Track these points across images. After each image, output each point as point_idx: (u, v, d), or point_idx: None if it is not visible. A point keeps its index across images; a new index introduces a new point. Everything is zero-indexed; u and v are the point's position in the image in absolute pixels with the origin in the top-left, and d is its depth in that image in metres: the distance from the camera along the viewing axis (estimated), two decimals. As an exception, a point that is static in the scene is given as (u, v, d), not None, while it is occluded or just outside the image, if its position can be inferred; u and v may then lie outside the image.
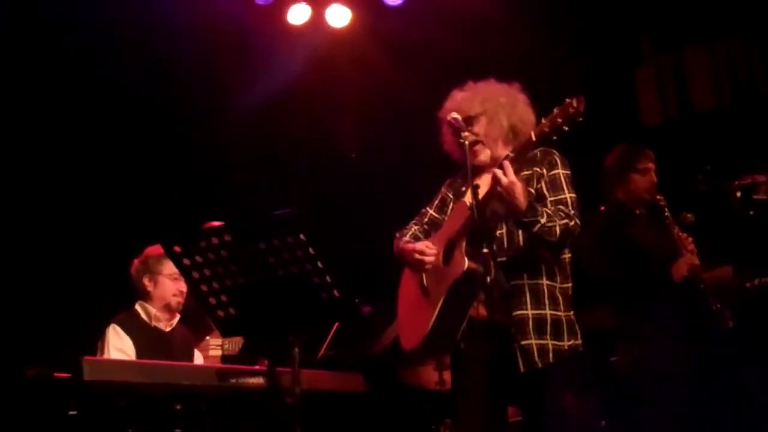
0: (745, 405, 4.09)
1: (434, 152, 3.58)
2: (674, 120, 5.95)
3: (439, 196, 3.62)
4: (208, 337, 4.63)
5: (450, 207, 3.55)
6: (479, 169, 3.40)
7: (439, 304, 3.29)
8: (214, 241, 2.94)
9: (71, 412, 3.41)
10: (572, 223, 3.25)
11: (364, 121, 5.96)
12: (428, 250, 3.39)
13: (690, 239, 4.27)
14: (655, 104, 5.97)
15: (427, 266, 3.38)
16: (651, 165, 4.43)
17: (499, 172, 3.12)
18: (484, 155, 3.41)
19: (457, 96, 3.47)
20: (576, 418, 3.59)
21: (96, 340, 4.20)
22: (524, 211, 3.15)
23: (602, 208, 4.52)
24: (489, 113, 3.39)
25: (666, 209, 4.36)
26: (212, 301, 3.05)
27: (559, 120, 3.09)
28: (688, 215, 4.29)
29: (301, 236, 2.81)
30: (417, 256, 3.37)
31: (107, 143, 5.58)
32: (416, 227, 3.61)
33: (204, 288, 3.03)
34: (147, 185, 5.70)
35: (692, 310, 4.18)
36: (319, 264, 2.85)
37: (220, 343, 4.73)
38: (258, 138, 6.05)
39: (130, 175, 5.63)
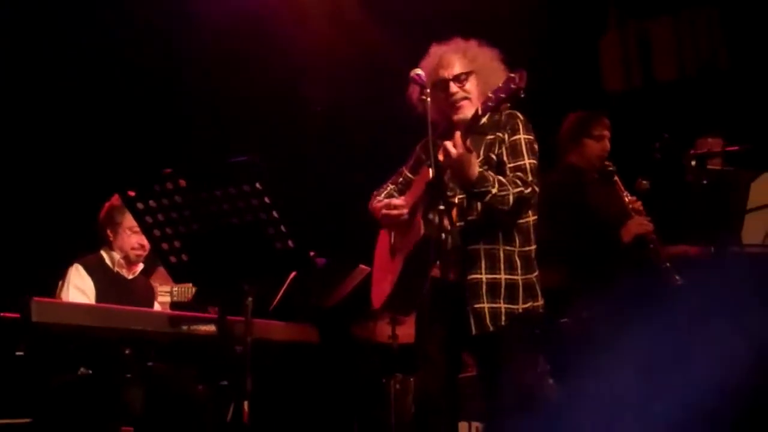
0: (691, 363, 4.16)
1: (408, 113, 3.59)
2: (637, 88, 5.99)
3: (414, 156, 3.66)
4: (156, 284, 4.62)
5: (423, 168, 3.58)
6: (460, 125, 3.39)
7: (401, 266, 3.37)
8: (169, 185, 2.92)
9: (18, 353, 3.41)
10: (528, 190, 3.29)
11: (335, 76, 5.90)
12: (396, 203, 3.45)
13: (639, 202, 4.33)
14: (618, 72, 6.01)
15: (396, 221, 3.43)
16: (606, 132, 4.48)
17: (449, 144, 3.15)
18: (469, 112, 3.39)
19: (447, 52, 3.48)
20: (526, 375, 3.66)
21: (57, 280, 4.18)
22: (474, 182, 3.19)
23: (554, 172, 4.56)
24: (480, 73, 3.43)
25: (615, 174, 4.41)
26: (165, 246, 3.03)
27: (502, 95, 3.14)
28: (644, 182, 4.34)
29: (257, 185, 2.80)
30: (385, 211, 3.44)
31: (76, 88, 5.49)
32: (392, 186, 3.66)
33: (157, 233, 3.01)
34: (115, 131, 5.63)
35: (642, 270, 4.24)
36: (274, 214, 2.84)
37: (168, 290, 4.74)
38: (224, 84, 5.97)
39: (102, 120, 5.55)
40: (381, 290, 3.55)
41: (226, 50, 5.80)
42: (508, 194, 3.24)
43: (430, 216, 3.29)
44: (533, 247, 3.43)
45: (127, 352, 3.61)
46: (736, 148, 4.36)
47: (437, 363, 3.39)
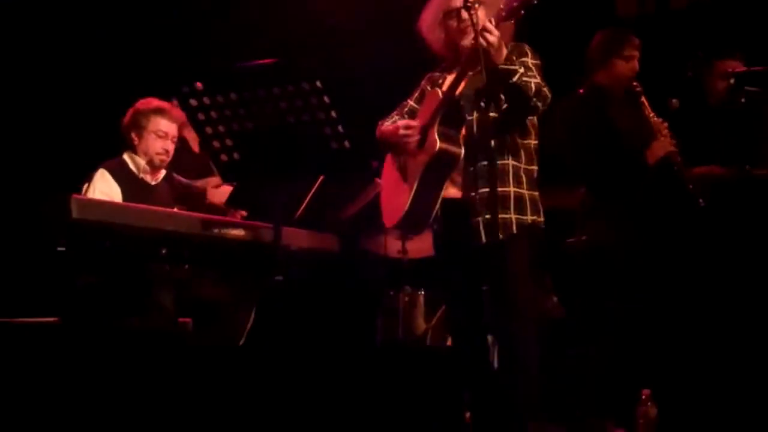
0: (709, 284, 4.26)
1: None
2: (650, 14, 5.97)
3: (419, 89, 3.75)
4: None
5: None
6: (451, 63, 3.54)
7: (416, 184, 3.46)
8: (225, 83, 2.91)
9: (59, 248, 3.41)
10: (545, 86, 3.42)
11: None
12: (411, 123, 3.52)
13: (665, 124, 4.36)
14: (632, -3, 5.98)
15: (410, 143, 3.49)
16: (636, 53, 4.45)
17: (487, 24, 3.25)
18: (470, 41, 3.46)
19: None
20: (533, 288, 3.76)
21: (82, 183, 4.16)
22: (505, 60, 3.29)
23: (580, 90, 4.57)
24: (488, 5, 3.46)
25: (643, 95, 4.44)
26: (216, 144, 3.04)
27: (515, 3, 3.21)
28: (674, 100, 4.37)
29: (318, 83, 2.79)
30: (401, 131, 3.49)
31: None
32: (397, 117, 3.71)
33: (209, 130, 3.01)
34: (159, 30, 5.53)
35: (665, 192, 4.31)
36: (333, 114, 2.85)
37: None
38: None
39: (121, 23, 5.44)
40: (393, 210, 3.63)
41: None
42: (531, 81, 3.36)
43: (444, 133, 3.42)
44: (535, 167, 3.56)
45: (163, 251, 3.62)
46: (760, 69, 4.36)
47: (458, 282, 3.58)
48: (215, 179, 4.64)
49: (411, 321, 5.37)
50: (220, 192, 4.58)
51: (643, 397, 4.04)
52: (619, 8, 6.09)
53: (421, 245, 5.33)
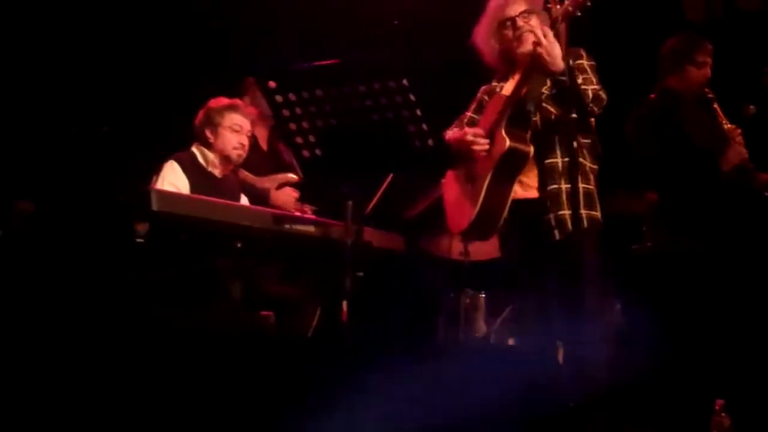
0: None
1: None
2: (719, 19, 5.91)
3: (476, 101, 3.83)
4: None
5: None
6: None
7: (486, 184, 3.52)
8: (311, 79, 2.94)
9: (139, 239, 3.46)
10: (601, 90, 3.51)
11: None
12: (479, 132, 3.58)
13: (738, 131, 4.32)
14: (700, 1, 5.93)
15: (479, 148, 3.54)
16: (709, 59, 4.44)
17: (546, 31, 3.36)
18: (527, 48, 3.57)
19: None
20: (603, 287, 3.76)
21: (151, 175, 4.23)
22: (562, 70, 3.35)
23: (652, 96, 4.55)
24: (539, 14, 3.60)
25: (715, 101, 4.41)
26: (299, 140, 3.07)
27: (570, 8, 3.32)
28: (751, 106, 4.33)
29: (404, 81, 2.82)
30: (470, 137, 3.55)
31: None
32: (457, 129, 3.76)
33: (293, 126, 3.04)
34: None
35: (739, 200, 4.27)
36: (418, 112, 2.87)
37: None
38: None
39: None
40: (461, 216, 3.68)
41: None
42: (588, 87, 3.47)
43: (512, 131, 3.49)
44: (597, 166, 3.65)
45: (239, 245, 3.67)
46: None
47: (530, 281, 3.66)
48: (281, 176, 4.70)
49: (472, 323, 5.37)
50: (282, 193, 4.63)
51: (717, 407, 3.99)
52: (687, 12, 6.05)
53: (483, 247, 5.31)
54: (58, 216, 4.44)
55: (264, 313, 3.90)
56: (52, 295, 4.07)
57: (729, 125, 4.34)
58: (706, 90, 4.45)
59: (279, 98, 3.00)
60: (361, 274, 2.98)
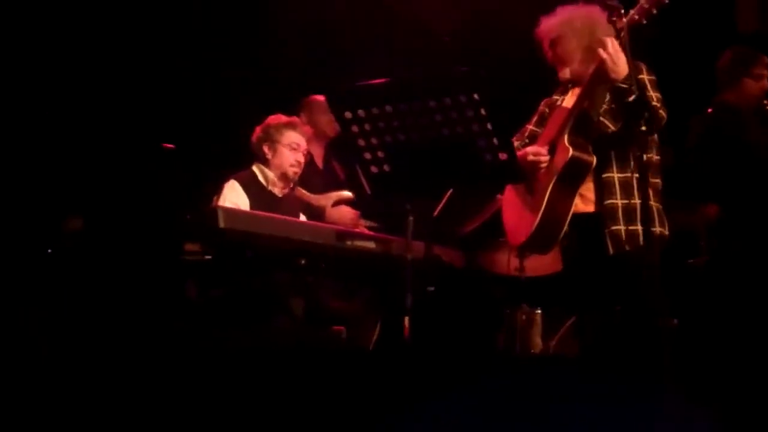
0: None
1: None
2: (769, 30, 5.88)
3: (537, 113, 3.83)
4: None
5: None
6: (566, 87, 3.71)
7: (548, 194, 3.51)
8: (381, 95, 2.97)
9: (207, 257, 3.51)
10: (662, 110, 3.48)
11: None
12: (540, 150, 3.59)
13: None
14: (753, 12, 5.90)
15: (542, 166, 3.55)
16: (765, 72, 4.45)
17: (612, 41, 3.35)
18: (566, 73, 3.66)
19: (544, 22, 3.72)
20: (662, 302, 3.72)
21: (212, 194, 4.28)
22: (625, 78, 3.34)
23: (709, 110, 4.54)
24: (565, 36, 3.63)
25: None
26: (367, 156, 3.08)
27: (636, 16, 3.32)
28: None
29: (475, 95, 2.83)
30: (531, 157, 3.55)
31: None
32: (518, 143, 3.77)
33: (362, 142, 3.06)
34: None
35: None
36: (488, 126, 2.88)
37: None
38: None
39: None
40: (520, 229, 3.67)
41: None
42: (649, 102, 3.43)
43: (575, 142, 3.49)
44: (660, 180, 3.62)
45: (302, 262, 3.70)
46: None
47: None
48: (335, 194, 4.74)
49: (528, 339, 5.34)
50: (337, 210, 4.67)
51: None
52: (739, 24, 6.01)
53: (539, 263, 5.30)
54: (111, 234, 4.50)
55: (336, 327, 3.91)
56: (108, 314, 4.13)
57: None
58: (765, 102, 4.43)
59: (348, 115, 3.02)
60: (432, 288, 2.98)
